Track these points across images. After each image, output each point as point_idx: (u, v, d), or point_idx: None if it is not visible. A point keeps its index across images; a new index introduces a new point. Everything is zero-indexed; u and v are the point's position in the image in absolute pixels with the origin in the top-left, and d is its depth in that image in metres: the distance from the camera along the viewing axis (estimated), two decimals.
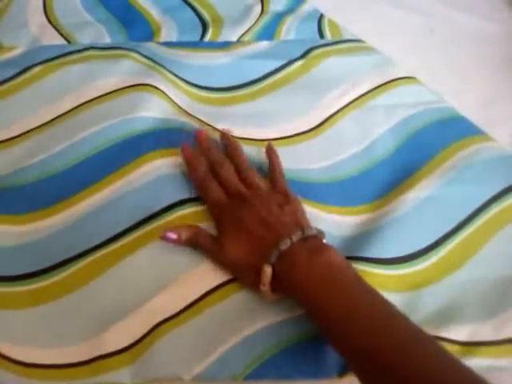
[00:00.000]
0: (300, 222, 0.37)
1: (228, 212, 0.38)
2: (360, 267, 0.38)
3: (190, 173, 0.42)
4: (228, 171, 0.41)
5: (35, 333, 0.35)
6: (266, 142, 0.46)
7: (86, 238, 0.39)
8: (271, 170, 0.43)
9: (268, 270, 0.33)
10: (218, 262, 0.38)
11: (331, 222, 0.42)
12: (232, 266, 0.37)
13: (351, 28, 0.58)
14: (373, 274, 0.38)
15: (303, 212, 0.39)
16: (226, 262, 0.37)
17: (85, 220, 0.40)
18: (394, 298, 0.37)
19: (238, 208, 0.38)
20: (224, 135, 0.45)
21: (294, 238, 0.33)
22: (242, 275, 0.37)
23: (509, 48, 0.58)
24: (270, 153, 0.44)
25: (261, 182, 0.41)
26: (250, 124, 0.48)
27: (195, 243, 0.38)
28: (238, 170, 0.42)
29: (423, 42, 0.58)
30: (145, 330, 0.35)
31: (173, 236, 0.38)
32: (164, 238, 0.38)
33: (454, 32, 0.59)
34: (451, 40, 0.59)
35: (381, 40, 0.56)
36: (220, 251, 0.37)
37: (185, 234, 0.38)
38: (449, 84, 0.53)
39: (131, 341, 0.35)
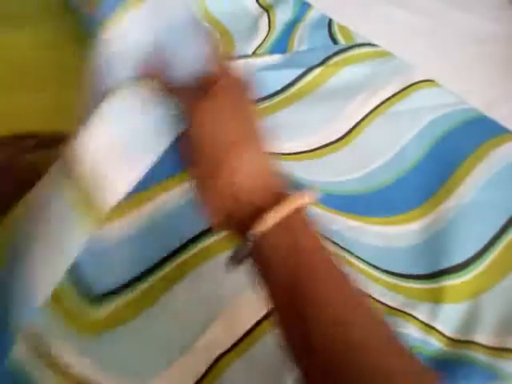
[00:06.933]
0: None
1: None
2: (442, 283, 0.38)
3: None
4: None
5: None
6: (292, 156, 0.45)
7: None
8: None
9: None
10: None
11: (374, 234, 0.41)
12: None
13: (352, 29, 0.57)
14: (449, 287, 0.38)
15: None
16: None
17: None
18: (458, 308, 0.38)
19: None
20: None
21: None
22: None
23: (509, 48, 0.58)
24: None
25: None
26: (274, 138, 0.47)
27: None
28: None
29: (423, 41, 0.58)
30: (207, 366, 0.34)
31: None
32: None
33: (454, 32, 0.60)
34: (451, 40, 0.59)
35: (381, 40, 0.55)
36: None
37: None
38: (450, 84, 0.52)
39: (195, 378, 0.33)
